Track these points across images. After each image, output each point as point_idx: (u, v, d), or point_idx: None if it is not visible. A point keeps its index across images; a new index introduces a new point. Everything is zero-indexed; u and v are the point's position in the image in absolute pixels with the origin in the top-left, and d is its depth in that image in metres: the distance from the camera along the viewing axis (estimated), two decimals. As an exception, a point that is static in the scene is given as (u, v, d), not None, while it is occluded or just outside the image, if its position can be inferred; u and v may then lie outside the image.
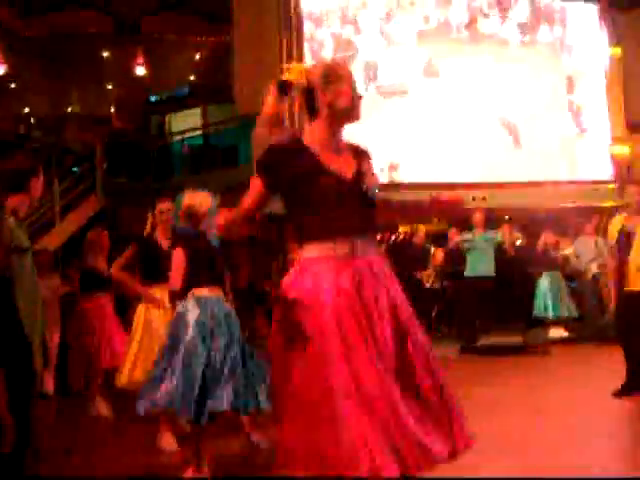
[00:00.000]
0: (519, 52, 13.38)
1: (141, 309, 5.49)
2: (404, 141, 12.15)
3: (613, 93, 13.68)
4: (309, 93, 2.81)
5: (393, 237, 13.39)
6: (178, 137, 15.20)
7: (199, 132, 15.22)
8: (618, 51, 13.88)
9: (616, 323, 6.91)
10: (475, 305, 10.35)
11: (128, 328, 5.97)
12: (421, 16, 12.78)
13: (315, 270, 2.67)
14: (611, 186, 13.37)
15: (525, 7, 13.57)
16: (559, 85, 13.54)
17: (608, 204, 13.18)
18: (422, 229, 12.17)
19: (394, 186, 11.84)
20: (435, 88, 12.54)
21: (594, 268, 11.38)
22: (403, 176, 12.17)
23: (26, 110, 16.49)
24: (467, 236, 10.75)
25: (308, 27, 12.05)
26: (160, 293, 5.15)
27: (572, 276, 12.07)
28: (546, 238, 11.23)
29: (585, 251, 11.48)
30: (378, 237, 13.35)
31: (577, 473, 4.18)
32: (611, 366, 8.55)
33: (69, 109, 16.89)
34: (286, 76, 2.85)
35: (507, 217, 12.37)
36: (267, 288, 11.41)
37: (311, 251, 2.72)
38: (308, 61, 11.83)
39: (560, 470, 4.25)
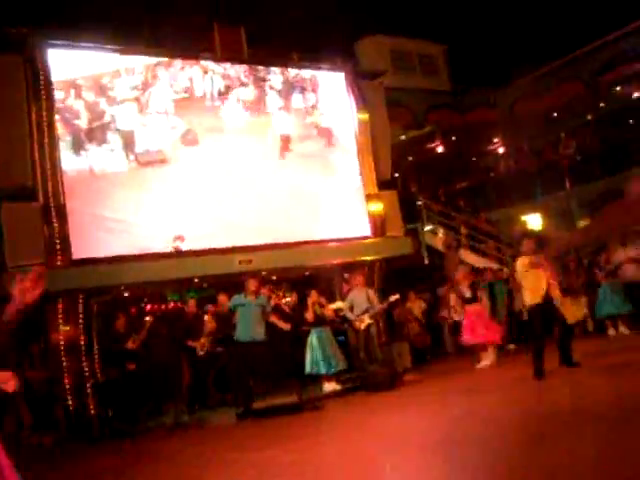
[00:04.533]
0: (277, 118, 13.87)
1: None
2: (167, 209, 12.03)
3: (364, 154, 14.57)
4: None
5: (164, 307, 13.12)
6: None
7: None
8: (366, 116, 14.88)
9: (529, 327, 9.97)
10: (249, 369, 10.35)
11: None
12: (178, 85, 12.84)
13: None
14: (370, 240, 14.11)
15: (278, 76, 14.16)
16: (316, 148, 14.20)
17: (369, 258, 13.92)
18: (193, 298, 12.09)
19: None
20: (195, 155, 12.60)
21: (367, 319, 11.97)
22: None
23: None
24: (239, 300, 10.79)
25: (60, 97, 11.62)
26: None
27: (340, 330, 12.56)
28: (313, 297, 11.60)
29: (359, 302, 12.03)
30: (149, 307, 13.07)
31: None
32: (383, 415, 8.96)
33: None
34: None
35: (270, 277, 12.59)
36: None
37: None
38: (61, 131, 11.42)
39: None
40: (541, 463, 4.99)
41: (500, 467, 5.15)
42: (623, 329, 13.27)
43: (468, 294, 12.16)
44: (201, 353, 11.30)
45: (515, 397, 8.39)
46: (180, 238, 11.91)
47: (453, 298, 12.67)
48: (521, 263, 9.63)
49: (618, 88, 20.10)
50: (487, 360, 11.81)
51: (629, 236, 15.05)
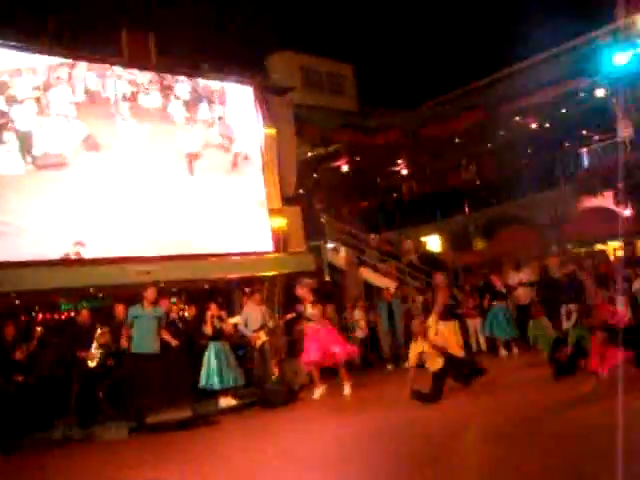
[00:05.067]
0: (182, 127, 13.69)
1: None
2: (65, 215, 11.66)
3: (269, 169, 14.56)
4: None
5: (56, 316, 12.64)
6: None
7: None
8: (273, 131, 14.88)
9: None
10: (142, 383, 10.09)
11: None
12: (81, 88, 12.49)
13: None
14: (272, 256, 14.08)
15: (186, 85, 13.98)
16: (221, 161, 14.08)
17: (270, 273, 13.89)
18: (86, 308, 11.66)
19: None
20: (96, 161, 12.28)
21: (263, 336, 11.93)
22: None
23: None
24: (136, 311, 10.53)
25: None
26: None
27: (239, 344, 12.44)
28: (212, 310, 11.45)
29: (253, 319, 11.97)
30: (40, 316, 12.57)
31: None
32: (277, 432, 8.92)
33: None
34: None
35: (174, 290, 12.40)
36: None
37: None
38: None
39: None
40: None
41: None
42: (514, 350, 13.72)
43: (310, 311, 11.21)
44: (92, 365, 10.91)
45: (407, 414, 8.52)
46: (80, 244, 11.56)
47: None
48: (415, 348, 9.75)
49: (517, 118, 20.91)
50: (319, 390, 10.94)
51: (521, 261, 15.65)
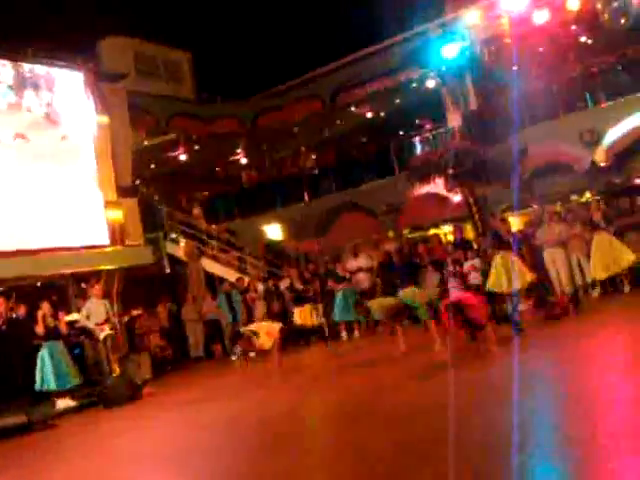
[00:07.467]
0: (7, 115, 12.85)
1: None
2: None
3: (103, 159, 13.99)
4: None
5: None
6: None
7: None
8: (106, 119, 14.30)
9: None
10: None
11: None
12: None
13: None
14: (108, 249, 13.59)
15: (9, 70, 13.12)
16: (51, 150, 13.35)
17: (106, 267, 13.38)
18: None
19: None
20: None
21: (107, 329, 11.58)
22: None
23: None
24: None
25: None
26: None
27: (75, 343, 12.00)
28: (44, 309, 10.91)
29: (96, 313, 11.68)
30: None
31: None
32: (120, 430, 8.65)
33: None
34: None
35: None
36: None
37: None
38: None
39: None
40: (270, 469, 5.10)
41: (231, 475, 5.22)
42: (356, 333, 14.11)
43: None
44: None
45: (252, 403, 8.54)
46: None
47: None
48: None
49: (353, 108, 21.41)
50: None
51: (359, 247, 16.09)
